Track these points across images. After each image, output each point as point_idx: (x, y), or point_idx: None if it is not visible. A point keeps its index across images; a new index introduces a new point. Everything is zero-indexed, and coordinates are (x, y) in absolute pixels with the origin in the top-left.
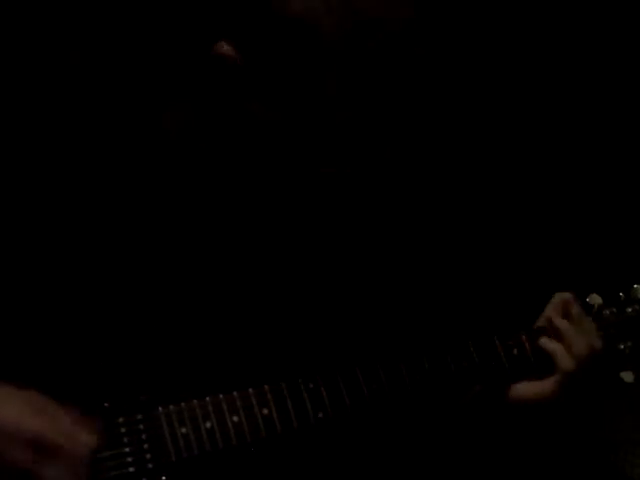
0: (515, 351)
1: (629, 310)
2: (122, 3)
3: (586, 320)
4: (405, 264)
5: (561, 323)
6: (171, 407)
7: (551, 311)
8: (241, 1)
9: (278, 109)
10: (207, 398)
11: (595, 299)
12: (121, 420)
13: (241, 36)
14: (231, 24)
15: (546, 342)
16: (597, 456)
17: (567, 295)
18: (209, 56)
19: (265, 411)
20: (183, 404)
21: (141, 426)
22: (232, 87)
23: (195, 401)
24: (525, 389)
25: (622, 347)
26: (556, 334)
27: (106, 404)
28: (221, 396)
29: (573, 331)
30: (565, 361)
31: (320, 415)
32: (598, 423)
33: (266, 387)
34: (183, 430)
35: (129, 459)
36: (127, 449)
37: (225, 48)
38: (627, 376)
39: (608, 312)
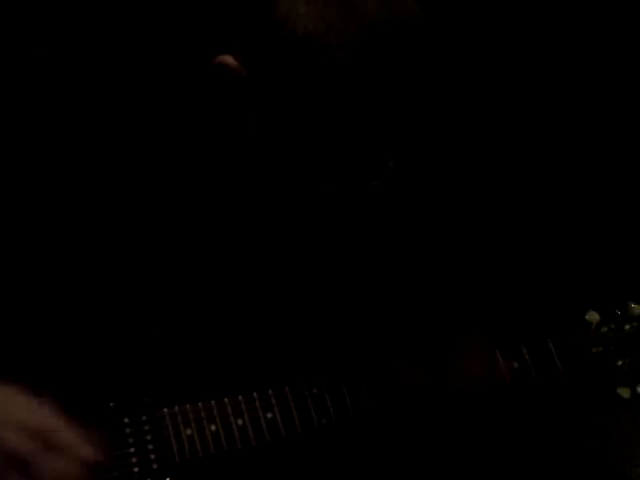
0: (515, 364)
1: (627, 327)
2: (128, 11)
3: None
4: (405, 274)
5: None
6: (176, 408)
7: None
8: (245, 15)
9: (278, 124)
10: (212, 401)
11: (593, 316)
12: (126, 420)
13: (245, 50)
14: (236, 37)
15: None
16: (597, 456)
17: None
18: (213, 65)
19: (269, 415)
20: (188, 406)
21: (146, 427)
22: (234, 97)
23: (200, 403)
24: None
25: (620, 363)
26: None
27: (111, 404)
28: (226, 399)
29: None
30: None
31: (324, 420)
32: (598, 423)
33: (270, 392)
34: (188, 432)
35: (134, 459)
36: (132, 449)
37: (229, 59)
38: (624, 392)
39: (606, 329)
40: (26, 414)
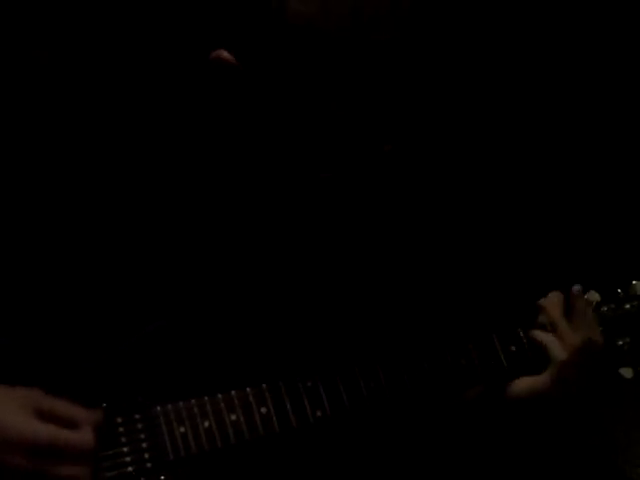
0: (513, 348)
1: (627, 306)
2: (125, 8)
3: (585, 314)
4: (403, 263)
5: (555, 315)
6: (169, 406)
7: (547, 304)
8: (240, 7)
9: (276, 114)
10: (205, 397)
11: (593, 296)
12: (119, 420)
13: (240, 41)
14: (230, 29)
15: (538, 334)
16: (597, 456)
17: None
18: (208, 60)
19: (263, 410)
20: (181, 403)
21: (139, 425)
22: (230, 91)
23: (193, 400)
24: (520, 385)
25: (621, 343)
26: (551, 327)
27: (104, 404)
28: (219, 395)
29: (566, 323)
30: (556, 351)
31: (318, 414)
32: (598, 423)
33: (264, 386)
34: (181, 429)
35: (127, 459)
36: (125, 449)
37: (224, 53)
38: (626, 372)
39: (606, 308)
40: (18, 430)
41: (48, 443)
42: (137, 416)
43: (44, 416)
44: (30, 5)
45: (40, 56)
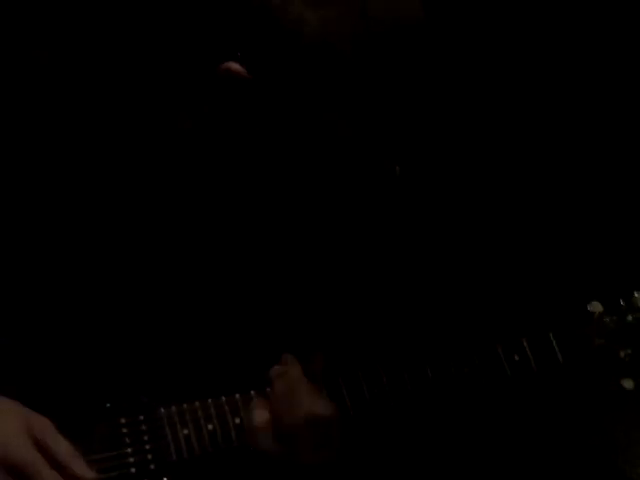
0: (516, 357)
1: (629, 318)
2: (138, 18)
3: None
4: (408, 270)
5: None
6: (173, 408)
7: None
8: (250, 17)
9: (284, 124)
10: (209, 400)
11: (596, 307)
12: (123, 421)
13: (250, 52)
14: (240, 40)
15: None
16: (597, 456)
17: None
18: (218, 71)
19: None
20: (185, 405)
21: (143, 427)
22: (240, 103)
23: (197, 402)
24: None
25: (622, 355)
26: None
27: (108, 404)
28: (223, 398)
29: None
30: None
31: None
32: (598, 423)
33: (268, 390)
34: (185, 431)
35: (131, 459)
36: (129, 449)
37: (234, 65)
38: (627, 383)
39: (609, 319)
40: (27, 424)
41: (23, 467)
42: (141, 417)
43: (40, 448)
44: (30, 5)
45: (40, 56)
